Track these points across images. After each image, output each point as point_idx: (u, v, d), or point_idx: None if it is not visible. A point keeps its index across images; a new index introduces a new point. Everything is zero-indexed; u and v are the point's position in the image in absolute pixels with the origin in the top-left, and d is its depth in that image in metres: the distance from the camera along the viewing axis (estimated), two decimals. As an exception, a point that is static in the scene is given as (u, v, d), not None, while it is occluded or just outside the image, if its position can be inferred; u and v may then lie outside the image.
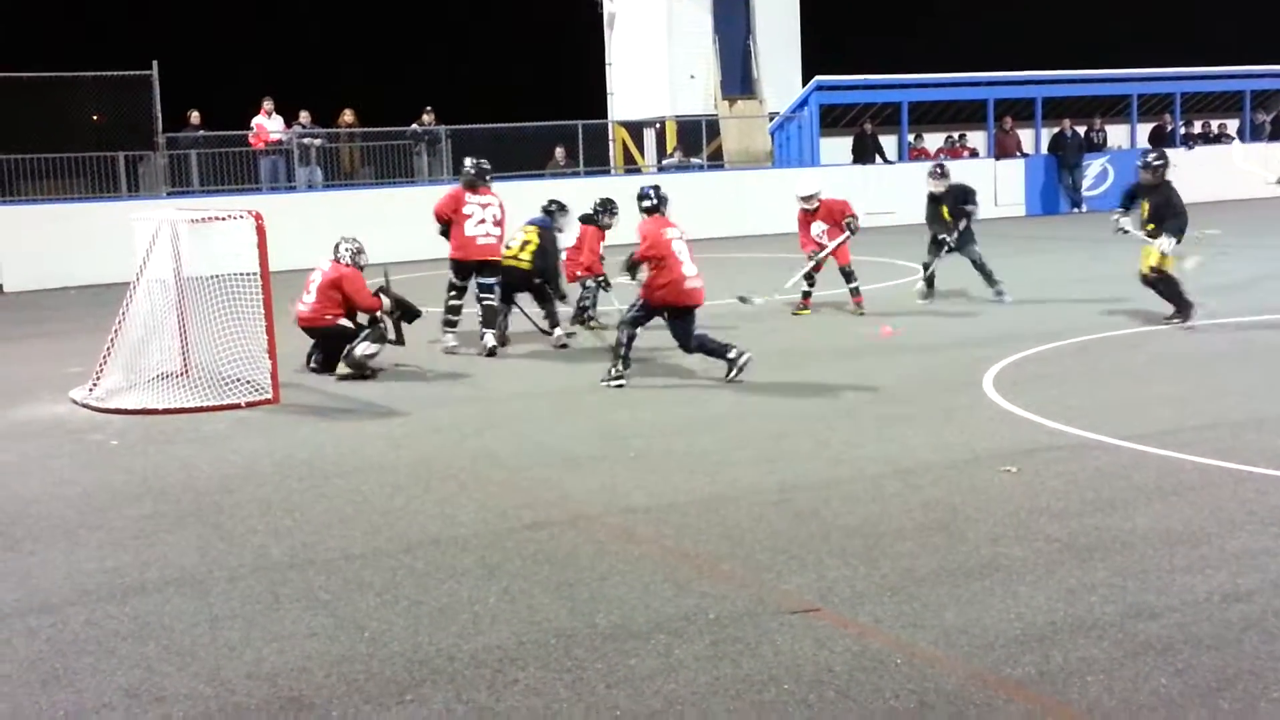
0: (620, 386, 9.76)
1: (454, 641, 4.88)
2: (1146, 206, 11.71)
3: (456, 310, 11.82)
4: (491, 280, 11.67)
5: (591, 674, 4.55)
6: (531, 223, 12.21)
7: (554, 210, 12.44)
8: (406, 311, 10.97)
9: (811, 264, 13.27)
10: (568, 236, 12.46)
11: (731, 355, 9.81)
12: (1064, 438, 7.66)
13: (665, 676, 4.50)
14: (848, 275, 13.34)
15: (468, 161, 12.05)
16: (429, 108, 23.33)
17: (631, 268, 10.11)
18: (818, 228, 13.34)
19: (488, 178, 11.99)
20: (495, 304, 11.70)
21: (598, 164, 25.56)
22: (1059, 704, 4.19)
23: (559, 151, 24.52)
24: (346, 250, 10.86)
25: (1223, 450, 7.15)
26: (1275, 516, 5.96)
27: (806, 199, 13.43)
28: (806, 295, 13.44)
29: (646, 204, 10.23)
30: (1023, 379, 9.49)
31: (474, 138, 23.05)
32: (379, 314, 10.75)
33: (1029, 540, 5.79)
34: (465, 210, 11.62)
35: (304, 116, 22.43)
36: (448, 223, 11.74)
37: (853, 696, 4.29)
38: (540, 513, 6.56)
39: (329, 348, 10.71)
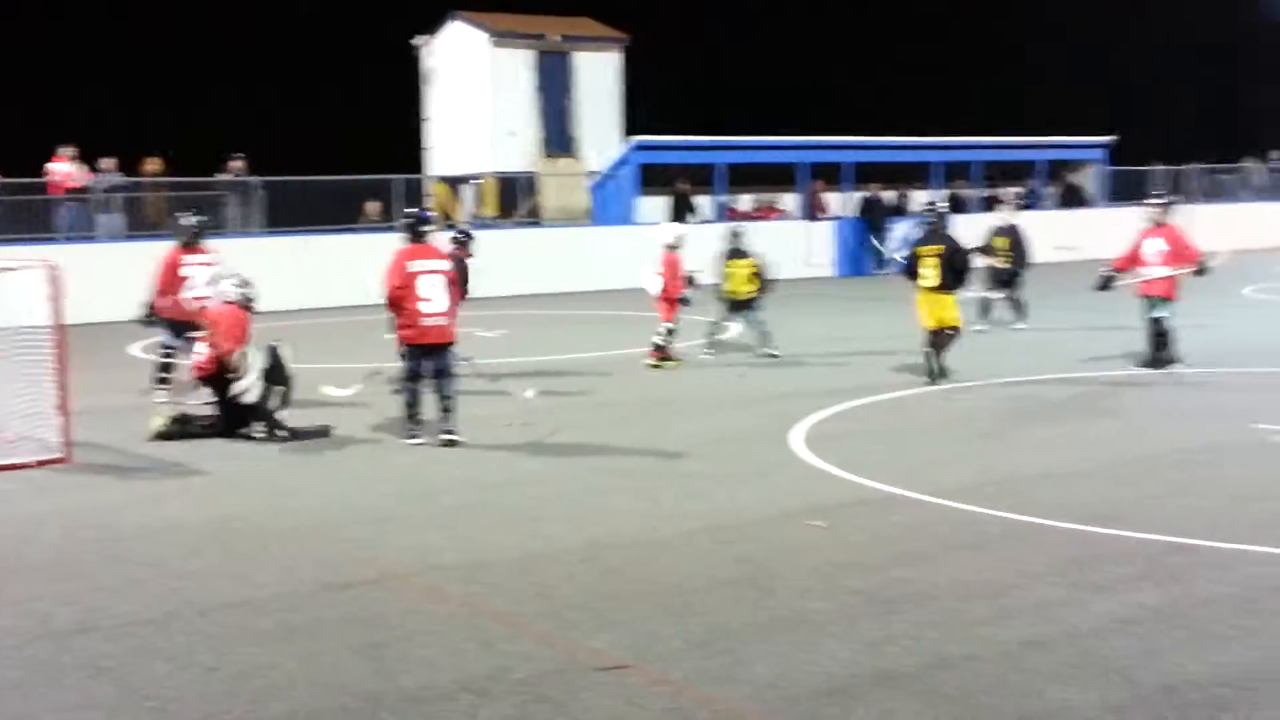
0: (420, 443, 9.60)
1: (248, 708, 4.68)
2: None
3: (168, 369, 11.45)
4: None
5: (394, 739, 4.42)
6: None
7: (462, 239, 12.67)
8: (273, 377, 10.04)
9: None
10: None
11: (411, 431, 9.65)
12: (869, 493, 7.83)
13: (471, 739, 4.40)
14: (668, 331, 13.57)
15: (187, 219, 11.88)
16: (240, 155, 22.81)
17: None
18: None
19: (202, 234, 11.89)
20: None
21: (415, 219, 25.28)
22: (862, 756, 4.23)
23: (371, 206, 24.23)
24: (231, 286, 10.12)
25: (1018, 504, 7.40)
26: (1069, 568, 6.18)
27: (670, 244, 13.80)
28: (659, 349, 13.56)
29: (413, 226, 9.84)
30: (830, 435, 9.68)
31: (288, 189, 22.64)
32: (232, 364, 9.87)
33: (835, 594, 5.87)
34: (181, 273, 11.36)
35: (106, 163, 21.68)
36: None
37: (660, 755, 4.26)
38: (346, 573, 6.37)
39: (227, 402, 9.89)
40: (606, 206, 27.25)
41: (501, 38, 28.16)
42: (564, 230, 25.93)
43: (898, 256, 14.51)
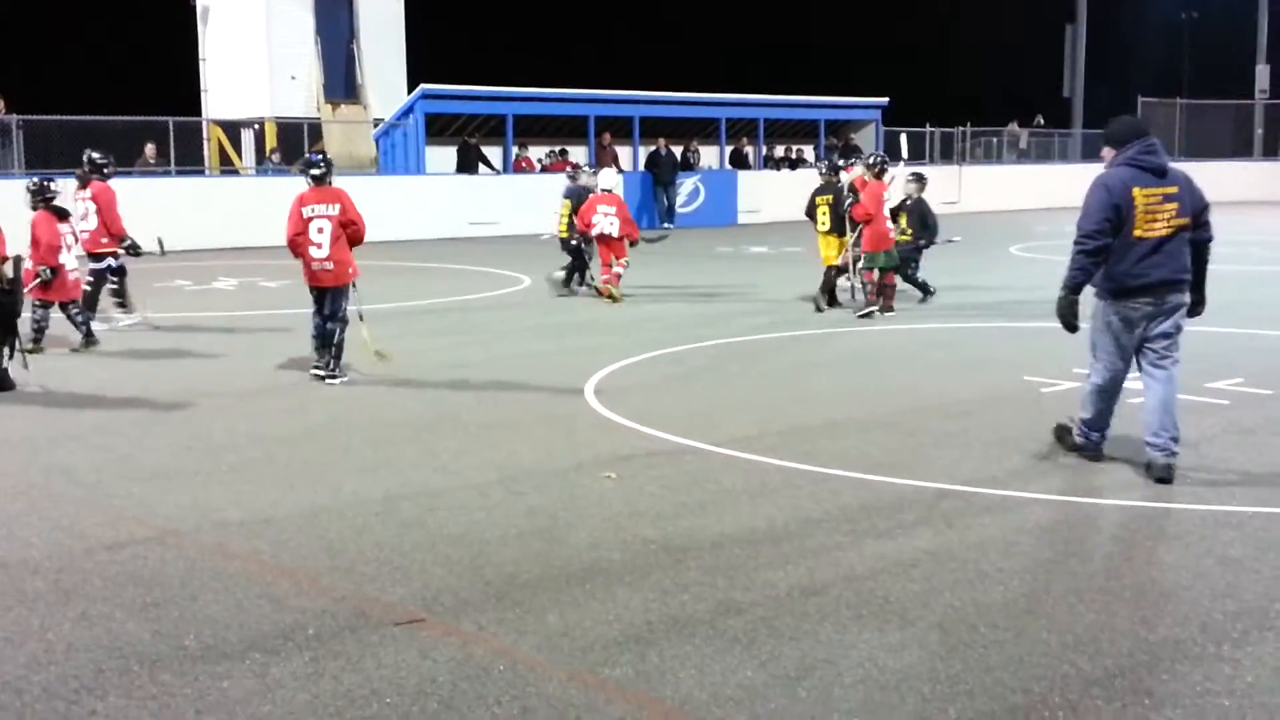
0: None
1: (22, 673, 4.48)
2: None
3: None
4: None
5: (180, 700, 4.30)
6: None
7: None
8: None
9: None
10: None
11: (333, 370, 9.95)
12: (659, 444, 7.96)
13: (261, 698, 4.31)
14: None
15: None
16: (-2, 93, 21.56)
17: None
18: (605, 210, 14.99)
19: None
20: None
21: (191, 163, 24.40)
22: (654, 701, 4.32)
23: (149, 148, 23.23)
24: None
25: (801, 454, 7.64)
26: (846, 514, 6.43)
27: (608, 188, 15.30)
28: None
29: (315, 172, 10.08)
30: (622, 387, 9.79)
31: (48, 130, 21.49)
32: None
33: (627, 544, 5.96)
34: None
35: None
36: None
37: (456, 706, 4.26)
38: (123, 531, 6.14)
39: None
40: (393, 156, 26.76)
41: (276, -24, 27.20)
42: (350, 179, 25.31)
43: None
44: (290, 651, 4.69)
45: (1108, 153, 7.06)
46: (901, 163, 15.25)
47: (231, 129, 27.60)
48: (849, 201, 13.79)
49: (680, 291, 16.24)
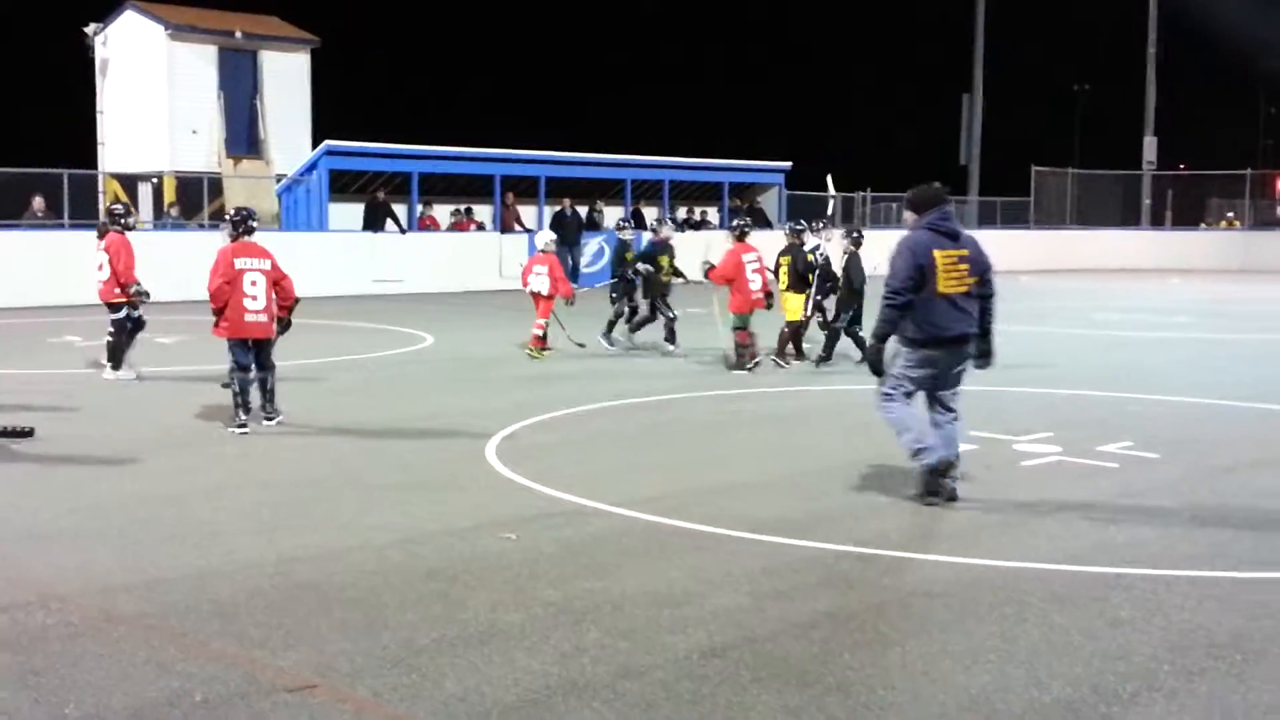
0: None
1: (-110, 746, 4.29)
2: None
3: None
4: None
5: (58, 772, 4.14)
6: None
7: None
8: None
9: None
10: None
11: (240, 420, 10.13)
12: (561, 504, 7.91)
13: (144, 768, 4.17)
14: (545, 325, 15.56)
15: None
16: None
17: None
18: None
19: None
20: None
21: (86, 216, 23.93)
22: (552, 767, 4.26)
23: (37, 200, 22.75)
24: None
25: (703, 515, 7.63)
26: (747, 576, 6.42)
27: (544, 247, 15.98)
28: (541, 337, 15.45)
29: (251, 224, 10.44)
30: (523, 448, 9.73)
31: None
32: None
33: (526, 605, 5.90)
34: None
35: None
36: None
37: (348, 775, 4.16)
38: (2, 595, 5.93)
39: None
40: (296, 212, 26.52)
41: (179, 31, 27.03)
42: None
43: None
44: (176, 719, 4.55)
45: (909, 217, 7.90)
46: (830, 201, 15.85)
47: (128, 182, 27.17)
48: (705, 267, 14.62)
49: (586, 351, 16.23)
